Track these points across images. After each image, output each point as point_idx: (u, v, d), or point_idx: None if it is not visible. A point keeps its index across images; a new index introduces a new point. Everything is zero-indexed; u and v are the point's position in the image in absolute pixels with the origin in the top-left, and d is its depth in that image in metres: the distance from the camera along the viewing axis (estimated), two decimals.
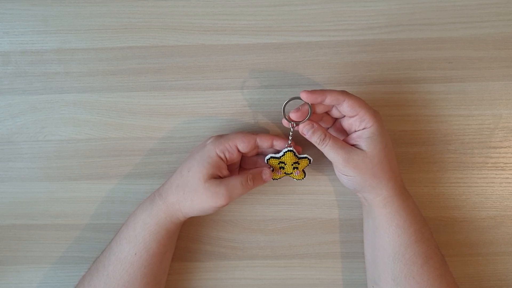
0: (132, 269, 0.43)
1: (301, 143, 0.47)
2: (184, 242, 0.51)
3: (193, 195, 0.43)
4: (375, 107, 0.44)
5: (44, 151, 0.50)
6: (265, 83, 0.49)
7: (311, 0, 0.48)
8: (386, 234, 0.43)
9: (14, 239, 0.51)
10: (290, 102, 0.42)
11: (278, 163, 0.46)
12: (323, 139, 0.42)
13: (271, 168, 0.47)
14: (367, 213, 0.46)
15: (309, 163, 0.46)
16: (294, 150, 0.45)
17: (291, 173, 0.47)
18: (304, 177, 0.47)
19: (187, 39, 0.49)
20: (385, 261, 0.43)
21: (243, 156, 0.47)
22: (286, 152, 0.45)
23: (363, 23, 0.49)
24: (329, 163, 0.44)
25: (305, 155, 0.45)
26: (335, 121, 0.46)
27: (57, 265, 0.51)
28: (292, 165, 0.46)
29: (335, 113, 0.44)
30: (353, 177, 0.42)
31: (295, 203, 0.51)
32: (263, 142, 0.45)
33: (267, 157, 0.45)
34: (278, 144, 0.45)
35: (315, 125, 0.42)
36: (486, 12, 0.48)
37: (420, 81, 0.49)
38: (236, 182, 0.43)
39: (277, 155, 0.45)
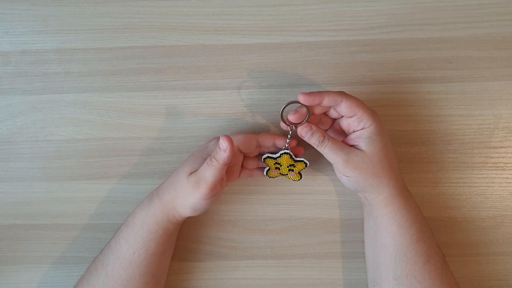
0: (131, 268, 0.43)
1: (300, 144, 0.47)
2: (184, 242, 0.51)
3: (183, 192, 0.43)
4: (375, 107, 0.44)
5: (44, 151, 0.50)
6: (265, 83, 0.49)
7: (311, 0, 0.48)
8: (388, 234, 0.43)
9: (14, 239, 0.51)
10: (288, 105, 0.42)
11: (274, 164, 0.46)
12: (322, 141, 0.42)
13: (268, 167, 0.47)
14: (368, 213, 0.46)
15: (305, 166, 0.46)
16: (291, 153, 0.45)
17: (286, 174, 0.47)
18: (300, 178, 0.47)
19: (187, 39, 0.49)
20: (387, 260, 0.43)
21: (245, 156, 0.47)
22: (282, 154, 0.45)
23: (363, 23, 0.49)
24: (328, 163, 0.44)
25: (302, 159, 0.45)
26: (334, 122, 0.46)
27: (57, 265, 0.51)
28: (288, 167, 0.46)
29: (333, 113, 0.44)
30: (354, 178, 0.42)
31: (295, 203, 0.51)
32: (265, 142, 0.45)
33: (264, 156, 0.45)
34: (280, 143, 0.45)
35: (313, 127, 0.42)
36: (486, 12, 0.48)
37: (420, 81, 0.49)
38: (204, 165, 0.42)
39: (274, 156, 0.45)
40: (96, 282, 0.43)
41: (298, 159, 0.45)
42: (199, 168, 0.43)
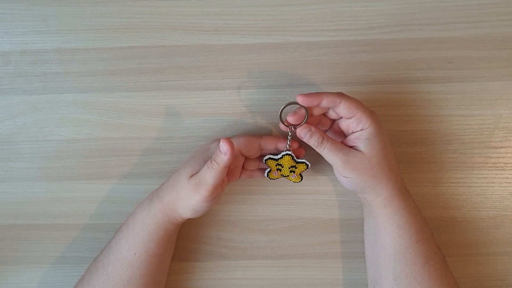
0: (132, 269, 0.43)
1: (301, 146, 0.47)
2: (184, 242, 0.51)
3: (183, 194, 0.43)
4: (375, 107, 0.44)
5: (44, 151, 0.50)
6: (265, 83, 0.49)
7: (311, 0, 0.48)
8: (387, 234, 0.43)
9: (14, 239, 0.51)
10: (287, 106, 0.42)
11: (276, 165, 0.46)
12: (321, 142, 0.42)
13: (269, 169, 0.47)
14: (368, 213, 0.46)
15: (307, 168, 0.46)
16: (293, 154, 0.45)
17: (288, 175, 0.47)
18: (301, 180, 0.47)
19: (187, 39, 0.49)
20: (386, 261, 0.43)
21: (246, 158, 0.47)
22: (284, 155, 0.45)
23: (363, 23, 0.49)
24: (329, 164, 0.44)
25: (303, 160, 0.45)
26: (333, 123, 0.46)
27: (57, 265, 0.51)
28: (289, 168, 0.46)
29: (332, 114, 0.43)
30: (353, 179, 0.42)
31: (295, 203, 0.51)
32: (267, 145, 0.45)
33: (266, 157, 0.45)
34: (282, 146, 0.45)
35: (313, 128, 0.42)
36: (486, 12, 0.48)
37: (420, 81, 0.49)
38: (204, 167, 0.42)
39: (275, 157, 0.45)
40: (96, 282, 0.43)
41: (299, 160, 0.45)
42: (200, 170, 0.43)
